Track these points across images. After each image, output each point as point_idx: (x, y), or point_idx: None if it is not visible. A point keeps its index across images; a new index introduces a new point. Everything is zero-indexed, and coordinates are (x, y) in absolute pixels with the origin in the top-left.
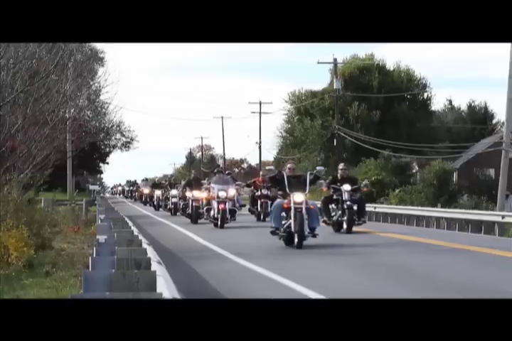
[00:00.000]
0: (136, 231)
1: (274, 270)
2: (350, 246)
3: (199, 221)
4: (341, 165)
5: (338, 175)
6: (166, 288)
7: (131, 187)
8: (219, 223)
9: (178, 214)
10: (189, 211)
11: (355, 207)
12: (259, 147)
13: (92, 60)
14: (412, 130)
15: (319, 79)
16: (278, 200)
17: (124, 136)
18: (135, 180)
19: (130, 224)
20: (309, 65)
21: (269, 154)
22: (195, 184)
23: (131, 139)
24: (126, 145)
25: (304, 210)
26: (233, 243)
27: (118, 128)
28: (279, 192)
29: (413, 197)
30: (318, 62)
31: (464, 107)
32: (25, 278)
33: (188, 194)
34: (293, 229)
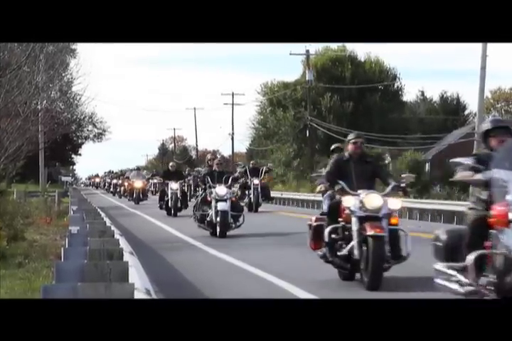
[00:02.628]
0: (108, 223)
1: None
2: None
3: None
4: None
5: None
6: (138, 279)
7: (116, 180)
8: None
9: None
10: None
11: None
12: (232, 138)
13: (64, 52)
14: (384, 121)
15: (292, 71)
16: None
17: (96, 127)
18: (121, 171)
19: (102, 215)
20: (282, 56)
21: (242, 145)
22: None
23: (104, 130)
24: (99, 136)
25: None
26: None
27: (90, 120)
28: None
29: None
30: (290, 54)
31: (436, 98)
32: None
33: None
34: None
